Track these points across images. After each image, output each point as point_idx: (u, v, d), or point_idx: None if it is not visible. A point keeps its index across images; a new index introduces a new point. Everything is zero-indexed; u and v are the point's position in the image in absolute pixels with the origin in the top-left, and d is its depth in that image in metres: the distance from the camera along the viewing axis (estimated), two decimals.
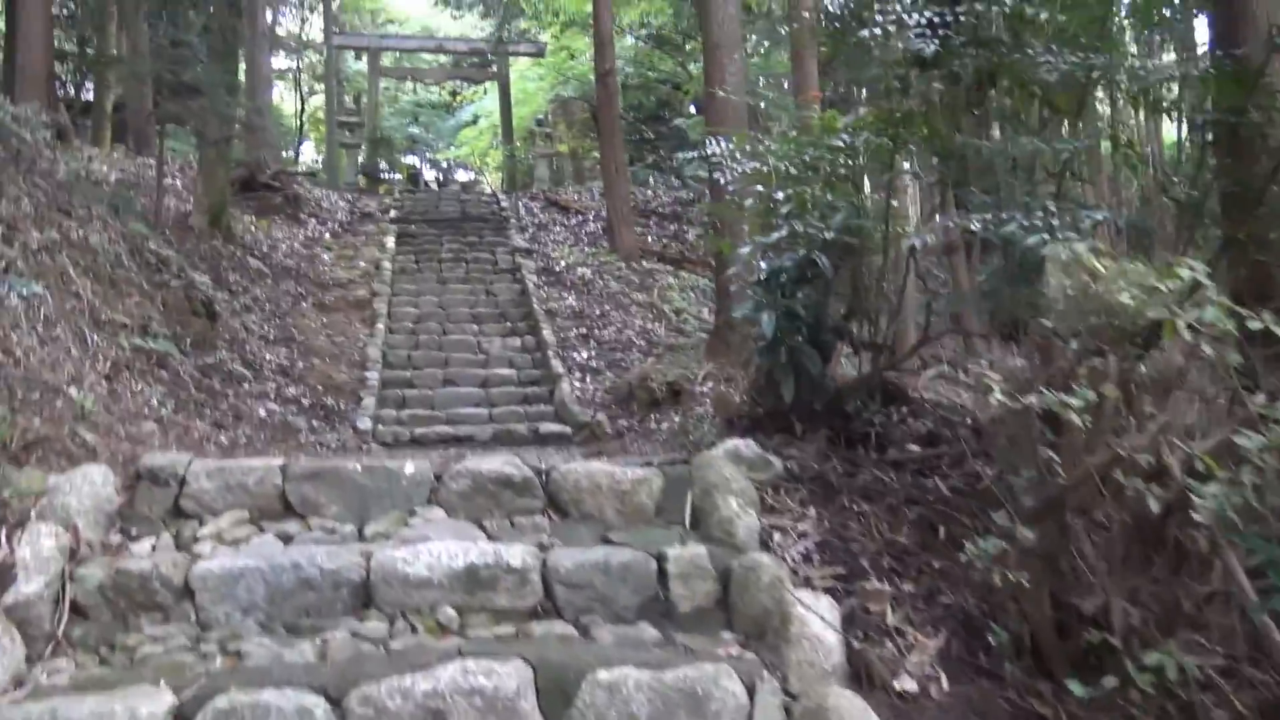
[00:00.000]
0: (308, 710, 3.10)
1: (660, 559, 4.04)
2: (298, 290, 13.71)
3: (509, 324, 13.50)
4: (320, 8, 29.02)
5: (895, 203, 5.40)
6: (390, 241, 16.49)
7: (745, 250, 5.25)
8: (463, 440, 9.90)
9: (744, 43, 11.43)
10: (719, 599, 3.98)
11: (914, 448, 4.84)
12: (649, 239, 18.79)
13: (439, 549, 4.02)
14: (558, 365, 11.66)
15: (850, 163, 5.05)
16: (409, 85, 37.38)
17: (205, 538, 4.30)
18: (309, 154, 38.46)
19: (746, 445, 4.69)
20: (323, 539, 4.39)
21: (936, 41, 4.34)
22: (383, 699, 3.16)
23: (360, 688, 3.20)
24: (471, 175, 36.35)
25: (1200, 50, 9.07)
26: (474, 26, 32.07)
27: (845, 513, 4.36)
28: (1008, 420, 3.50)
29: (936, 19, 4.40)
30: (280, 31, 31.76)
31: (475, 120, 34.88)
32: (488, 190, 27.74)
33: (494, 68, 26.95)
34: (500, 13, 26.39)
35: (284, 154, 33.68)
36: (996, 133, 5.23)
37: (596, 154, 31.86)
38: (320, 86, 31.48)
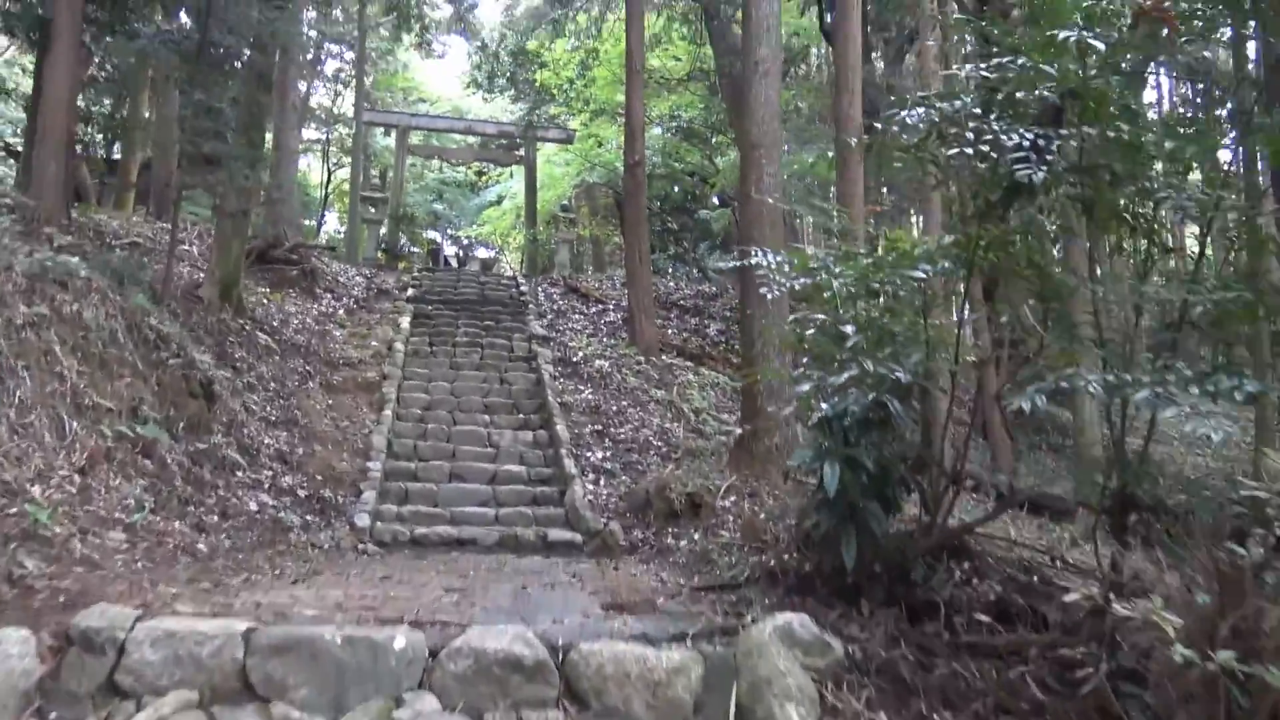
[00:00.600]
0: None
1: None
2: (306, 369, 13.23)
3: (522, 416, 12.96)
4: (353, 83, 29.22)
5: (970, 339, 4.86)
6: (405, 321, 16.07)
7: (805, 388, 4.68)
8: (465, 544, 9.28)
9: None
10: None
11: (984, 618, 4.22)
12: (669, 331, 18.37)
13: None
14: (570, 465, 11.06)
15: (926, 293, 4.53)
16: (435, 163, 37.57)
17: None
18: (333, 224, 38.61)
19: (801, 624, 4.03)
20: None
21: (1044, 168, 3.83)
22: None
23: None
24: (492, 253, 36.33)
25: None
26: (504, 110, 32.29)
27: None
28: (1186, 679, 2.77)
29: (1041, 141, 3.93)
30: (312, 103, 32.05)
31: (499, 201, 35.02)
32: (508, 272, 27.53)
33: (521, 151, 26.93)
34: (531, 98, 26.46)
35: (307, 223, 33.78)
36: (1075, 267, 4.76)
37: (618, 240, 31.95)
38: (348, 159, 31.56)
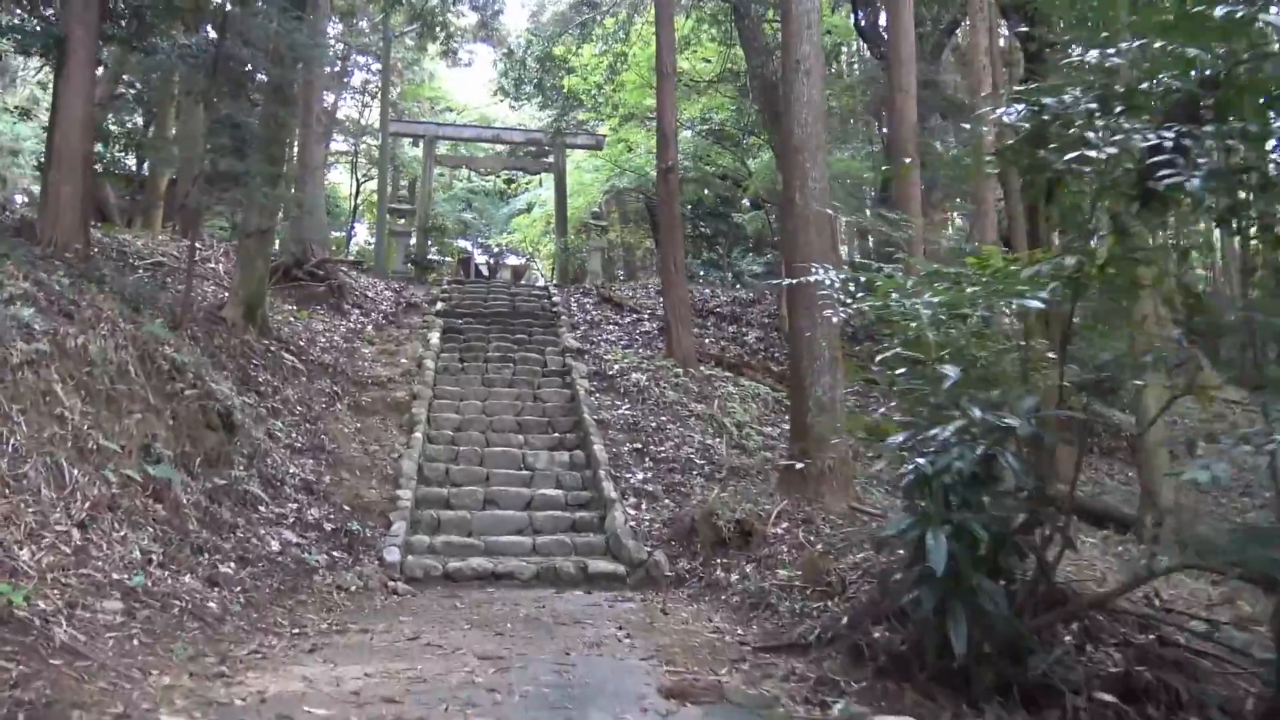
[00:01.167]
0: None
1: None
2: (333, 389, 12.80)
3: (557, 435, 12.44)
4: (380, 94, 28.89)
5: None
6: (435, 337, 15.61)
7: (898, 440, 4.04)
8: (501, 578, 8.77)
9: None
10: None
11: (1107, 697, 3.62)
12: (706, 340, 17.78)
13: None
14: (610, 488, 10.51)
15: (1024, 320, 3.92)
16: (464, 172, 37.21)
17: None
18: (362, 235, 38.38)
19: None
20: None
21: (1197, 173, 3.20)
22: None
23: None
24: (523, 260, 35.97)
25: None
26: (532, 117, 31.85)
27: None
28: None
29: (1187, 141, 3.29)
30: (339, 115, 31.78)
31: (529, 208, 34.57)
32: (539, 282, 27.07)
33: (550, 158, 26.45)
34: (559, 104, 25.96)
35: (337, 235, 33.53)
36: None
37: (649, 245, 31.39)
38: (376, 170, 31.26)
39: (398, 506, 9.80)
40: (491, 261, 36.61)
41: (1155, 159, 3.38)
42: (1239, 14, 3.26)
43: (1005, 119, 3.76)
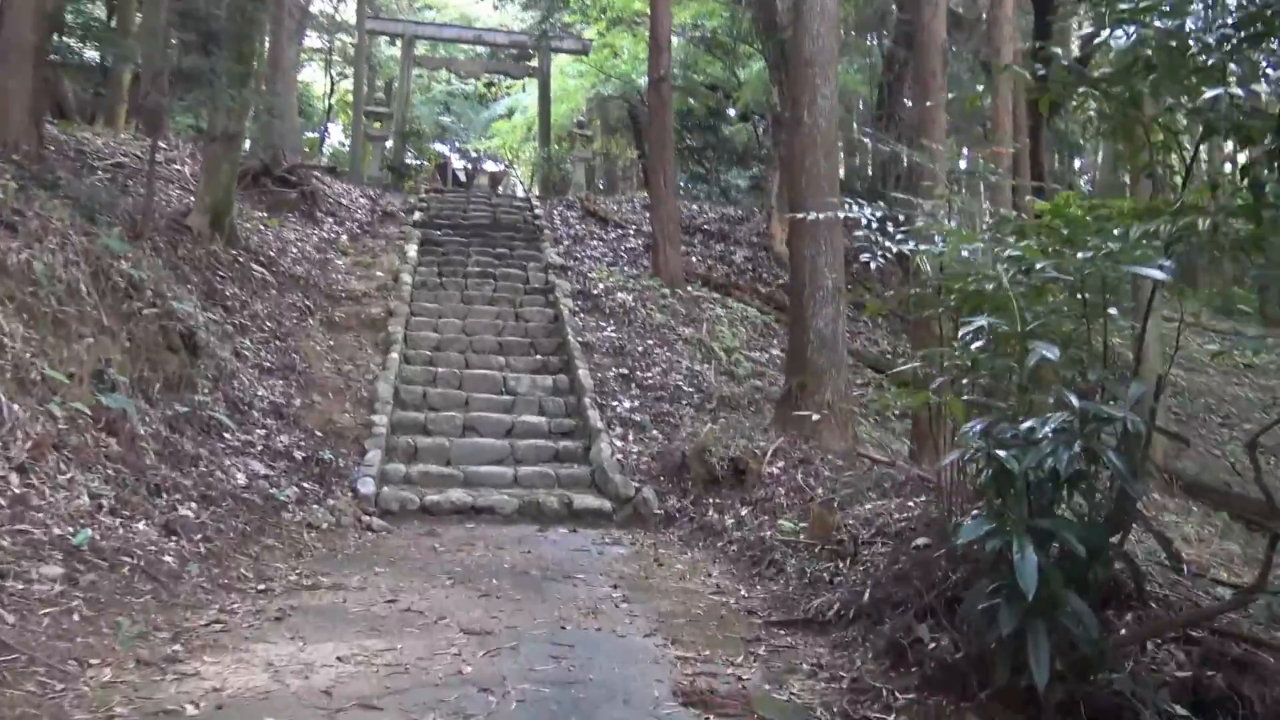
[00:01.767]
0: None
1: None
2: (305, 303, 12.19)
3: (540, 357, 11.94)
4: None
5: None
6: (412, 250, 14.95)
7: (976, 427, 3.48)
8: (482, 512, 8.36)
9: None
10: None
11: (1179, 710, 3.24)
12: (693, 259, 17.20)
13: None
14: (595, 417, 10.07)
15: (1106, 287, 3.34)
16: (443, 74, 35.86)
17: None
18: (336, 137, 37.11)
19: None
20: None
21: None
22: None
23: None
24: (501, 166, 34.92)
25: None
26: (515, 18, 30.54)
27: None
28: None
29: None
30: (313, 9, 30.30)
31: (510, 114, 33.44)
32: (518, 190, 26.22)
33: (534, 62, 25.35)
34: (544, 5, 24.79)
35: (310, 136, 32.33)
36: None
37: (632, 156, 30.44)
38: (352, 69, 29.94)
39: (372, 433, 9.32)
40: (469, 167, 35.55)
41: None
42: None
43: (1113, 43, 3.20)
